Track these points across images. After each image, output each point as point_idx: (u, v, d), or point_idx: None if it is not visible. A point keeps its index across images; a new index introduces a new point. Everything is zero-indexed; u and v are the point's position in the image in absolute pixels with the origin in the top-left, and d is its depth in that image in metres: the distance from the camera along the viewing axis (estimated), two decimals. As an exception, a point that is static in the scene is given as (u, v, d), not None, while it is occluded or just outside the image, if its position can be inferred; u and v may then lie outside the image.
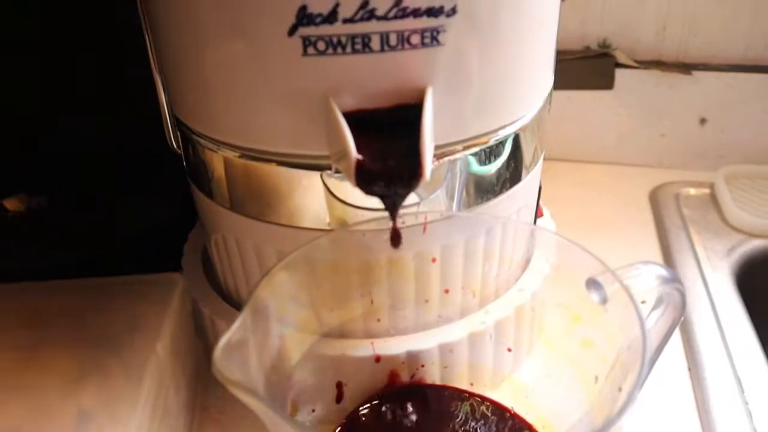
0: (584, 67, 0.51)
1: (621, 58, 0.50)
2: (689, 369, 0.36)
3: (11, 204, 0.46)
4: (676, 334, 0.38)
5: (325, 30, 0.23)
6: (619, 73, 0.51)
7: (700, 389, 0.35)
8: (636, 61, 0.50)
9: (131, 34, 0.34)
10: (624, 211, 0.50)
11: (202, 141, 0.29)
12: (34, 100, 0.43)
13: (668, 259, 0.44)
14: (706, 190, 0.50)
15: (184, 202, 0.40)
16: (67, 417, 0.25)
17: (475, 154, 0.28)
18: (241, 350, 0.22)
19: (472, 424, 0.29)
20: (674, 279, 0.25)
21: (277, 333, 0.25)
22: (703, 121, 0.52)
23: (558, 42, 0.31)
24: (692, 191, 0.51)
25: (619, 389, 0.22)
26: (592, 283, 0.24)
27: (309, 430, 0.17)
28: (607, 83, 0.51)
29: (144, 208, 0.45)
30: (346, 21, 0.23)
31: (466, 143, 0.28)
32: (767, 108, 0.50)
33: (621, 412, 0.18)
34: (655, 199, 0.50)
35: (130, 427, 0.24)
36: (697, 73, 0.50)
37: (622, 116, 0.53)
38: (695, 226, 0.47)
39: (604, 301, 0.24)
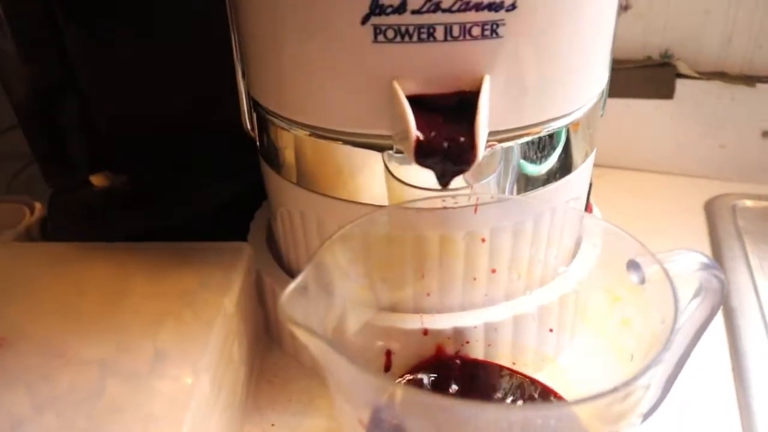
0: (645, 75, 0.51)
1: (682, 68, 0.51)
2: (733, 370, 0.36)
3: (97, 180, 0.50)
4: (723, 339, 0.39)
5: (395, 20, 0.25)
6: (680, 83, 0.51)
7: (743, 391, 0.35)
8: (698, 72, 0.51)
9: (207, 24, 0.37)
10: (678, 219, 0.50)
11: (276, 121, 0.32)
12: (123, 82, 0.47)
13: (719, 266, 0.44)
14: (764, 203, 0.50)
15: (252, 183, 0.43)
16: (145, 353, 0.28)
17: (527, 144, 0.30)
18: (304, 301, 0.24)
19: (512, 398, 0.30)
20: (713, 266, 0.26)
21: (337, 300, 0.28)
22: (765, 134, 0.52)
23: (619, 50, 0.32)
24: (749, 203, 0.50)
25: (651, 362, 0.23)
26: (632, 264, 0.26)
27: (367, 371, 0.19)
28: (667, 93, 0.51)
29: (215, 188, 0.49)
30: (414, 12, 0.25)
31: (519, 132, 0.29)
32: (832, 124, 0.50)
33: (645, 369, 0.19)
34: (710, 209, 0.50)
35: (199, 365, 0.27)
36: (761, 86, 0.50)
37: (682, 126, 0.53)
38: (750, 236, 0.47)
39: (642, 281, 0.25)
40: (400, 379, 0.32)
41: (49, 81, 0.45)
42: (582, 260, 0.34)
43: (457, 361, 0.32)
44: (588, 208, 0.38)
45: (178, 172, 0.49)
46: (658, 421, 0.31)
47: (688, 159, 0.54)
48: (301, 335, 0.22)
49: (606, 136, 0.42)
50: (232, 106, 0.37)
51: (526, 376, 0.31)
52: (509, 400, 0.31)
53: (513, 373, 0.32)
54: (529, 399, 0.30)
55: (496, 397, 0.31)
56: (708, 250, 0.46)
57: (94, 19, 0.44)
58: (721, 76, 0.50)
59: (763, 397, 0.34)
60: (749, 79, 0.50)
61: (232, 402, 0.31)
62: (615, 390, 0.19)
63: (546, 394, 0.30)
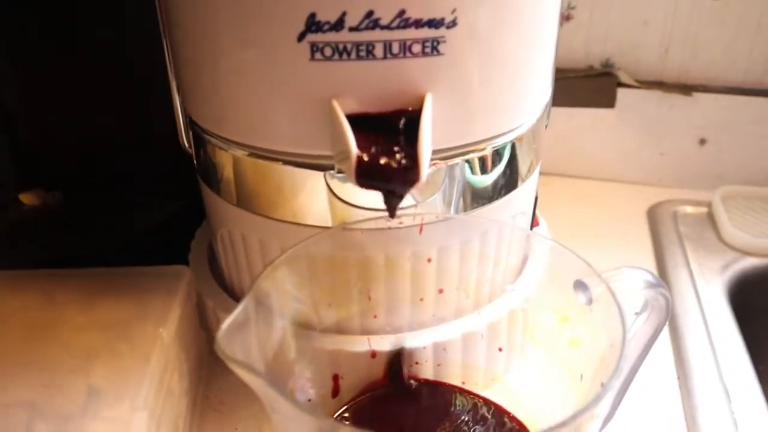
0: (587, 85, 0.52)
1: (623, 77, 0.52)
2: (678, 378, 0.37)
3: (27, 198, 0.48)
4: (667, 344, 0.39)
5: (332, 37, 0.24)
6: (621, 93, 0.52)
7: (688, 399, 0.35)
8: (638, 81, 0.52)
9: (143, 37, 0.35)
10: (621, 227, 0.51)
11: (212, 140, 0.31)
12: (51, 100, 0.45)
13: (663, 274, 0.45)
14: (703, 209, 0.52)
15: (191, 201, 0.42)
16: (77, 392, 0.26)
17: (472, 161, 0.29)
18: (243, 334, 0.23)
19: (463, 417, 0.30)
20: (659, 284, 0.26)
21: (279, 325, 0.27)
22: (702, 141, 0.53)
23: (562, 60, 0.32)
24: (689, 209, 0.52)
25: (602, 385, 0.23)
26: (579, 285, 0.26)
27: (306, 409, 0.18)
28: (609, 102, 0.52)
29: (153, 207, 0.47)
30: (351, 29, 0.24)
31: (463, 149, 0.29)
32: (765, 130, 0.51)
33: (597, 398, 0.19)
34: (652, 216, 0.51)
35: (136, 402, 0.26)
36: (697, 95, 0.51)
37: (623, 134, 0.54)
38: (691, 243, 0.48)
39: (589, 302, 0.25)
40: (348, 405, 0.31)
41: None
42: (528, 277, 0.34)
43: (411, 382, 0.31)
44: (534, 221, 0.38)
45: (113, 190, 0.47)
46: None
47: (630, 166, 0.55)
48: (241, 374, 0.21)
49: (550, 145, 0.43)
50: (168, 121, 0.35)
51: (478, 396, 0.31)
52: (463, 419, 0.30)
53: (464, 393, 0.31)
54: (482, 419, 0.30)
55: (447, 417, 0.30)
56: (651, 257, 0.47)
57: (18, 34, 0.42)
58: (660, 85, 0.52)
59: (707, 404, 0.35)
60: (686, 88, 0.51)
61: (173, 437, 0.29)
62: (564, 423, 0.18)
63: (499, 414, 0.30)
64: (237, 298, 0.35)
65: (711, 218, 0.50)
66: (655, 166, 0.55)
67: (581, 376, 0.26)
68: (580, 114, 0.54)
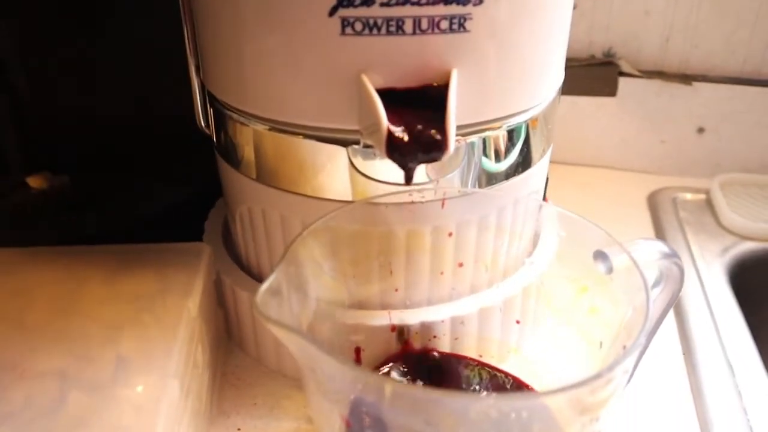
0: (589, 74, 0.53)
1: (625, 67, 0.53)
2: (684, 354, 0.38)
3: (34, 181, 0.48)
4: (672, 323, 0.40)
5: (363, 12, 0.25)
6: (623, 82, 0.53)
7: (693, 373, 0.37)
8: (639, 71, 0.53)
9: (155, 15, 0.35)
10: (623, 213, 0.52)
11: (234, 116, 0.31)
12: (58, 82, 0.45)
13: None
14: (702, 196, 0.53)
15: (200, 183, 0.42)
16: (107, 362, 0.26)
17: (488, 139, 0.30)
18: (277, 300, 0.24)
19: (481, 390, 0.31)
20: (673, 254, 0.27)
21: (312, 299, 0.27)
22: (701, 130, 0.54)
23: (567, 44, 0.33)
24: (689, 196, 0.53)
25: (624, 347, 0.24)
26: (599, 255, 0.26)
27: (348, 362, 0.19)
28: (610, 90, 0.53)
29: (161, 189, 0.47)
30: (383, 5, 0.25)
31: (481, 126, 0.30)
32: (762, 120, 0.53)
33: (628, 352, 0.20)
34: (653, 202, 0.53)
35: (167, 371, 0.26)
36: (697, 84, 0.53)
37: (624, 123, 0.55)
38: (691, 228, 0.49)
39: (610, 271, 0.26)
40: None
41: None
42: (543, 250, 0.35)
43: (435, 354, 0.32)
44: (545, 200, 0.39)
45: (121, 172, 0.47)
46: (617, 410, 0.32)
47: (631, 154, 0.56)
48: (280, 334, 0.21)
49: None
50: (179, 101, 0.35)
51: (495, 369, 0.32)
52: (478, 391, 0.31)
53: (482, 365, 0.32)
54: (501, 390, 0.31)
55: (467, 389, 0.31)
56: (653, 241, 0.48)
57: (25, 17, 0.42)
58: (660, 74, 0.53)
59: (711, 377, 0.36)
60: (686, 78, 0.52)
61: (199, 408, 0.30)
62: (599, 375, 0.19)
63: (516, 385, 0.31)
64: (254, 276, 0.35)
65: (710, 204, 0.52)
66: (656, 153, 0.56)
67: (600, 343, 0.27)
68: (582, 102, 0.55)
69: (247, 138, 0.31)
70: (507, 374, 0.32)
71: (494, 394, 0.28)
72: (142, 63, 0.43)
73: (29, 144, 0.48)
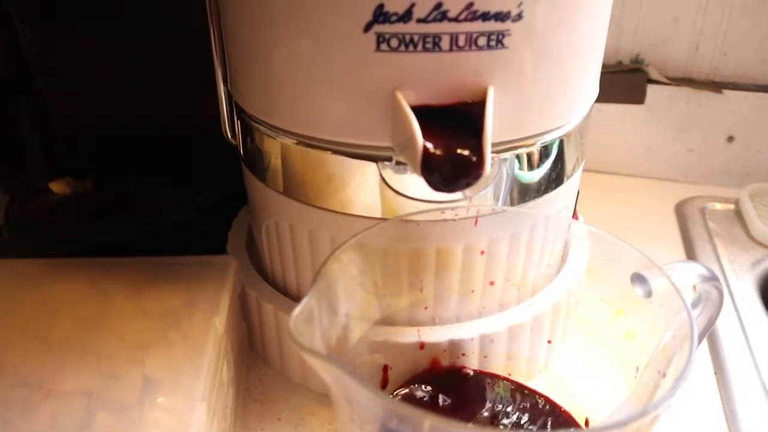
0: (617, 81, 0.52)
1: (653, 74, 0.52)
2: (715, 373, 0.37)
3: (57, 187, 0.48)
4: (704, 341, 0.39)
5: (399, 28, 0.24)
6: (651, 89, 0.52)
7: (726, 395, 0.36)
8: (667, 78, 0.52)
9: (182, 24, 0.35)
10: (650, 222, 0.51)
11: (261, 128, 0.30)
12: (81, 88, 0.45)
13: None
14: (731, 206, 0.52)
15: (224, 190, 0.41)
16: (134, 382, 0.26)
17: (521, 155, 0.29)
18: (310, 323, 0.23)
19: (509, 409, 0.30)
20: (713, 277, 0.26)
21: (344, 311, 0.27)
22: (730, 138, 0.53)
23: (602, 59, 0.32)
24: (718, 206, 0.52)
25: (663, 375, 0.23)
26: (637, 278, 0.26)
27: (383, 394, 0.18)
28: (638, 98, 0.52)
29: (185, 194, 0.47)
30: (419, 21, 0.24)
31: (515, 143, 0.29)
32: (793, 129, 0.52)
33: (674, 388, 0.19)
34: (681, 212, 0.52)
35: (194, 394, 0.26)
36: (727, 92, 0.51)
37: (652, 131, 0.54)
38: (720, 239, 0.48)
39: (648, 294, 0.25)
40: (394, 393, 0.31)
41: (-1, 80, 0.43)
42: (573, 266, 0.34)
43: (468, 371, 0.31)
44: (574, 216, 0.38)
45: (144, 179, 0.47)
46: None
47: (658, 162, 0.55)
48: (313, 362, 0.21)
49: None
50: (205, 109, 0.35)
51: (524, 387, 0.31)
52: (510, 410, 0.30)
53: (511, 383, 0.31)
54: (529, 409, 0.30)
55: (493, 407, 0.30)
56: (682, 253, 0.47)
57: (53, 14, 0.41)
58: (689, 82, 0.52)
59: (745, 399, 0.35)
60: (716, 86, 0.51)
61: (224, 427, 0.29)
62: (645, 412, 0.19)
63: (547, 404, 0.30)
64: (279, 289, 0.35)
65: (739, 215, 0.51)
66: (683, 162, 0.55)
67: (637, 368, 0.27)
68: (609, 110, 0.54)
69: (274, 151, 0.31)
70: (536, 393, 0.31)
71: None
72: (167, 67, 0.43)
73: (52, 149, 0.48)
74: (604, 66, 0.53)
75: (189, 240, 0.39)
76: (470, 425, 0.17)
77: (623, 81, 0.52)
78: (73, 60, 0.43)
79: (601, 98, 0.53)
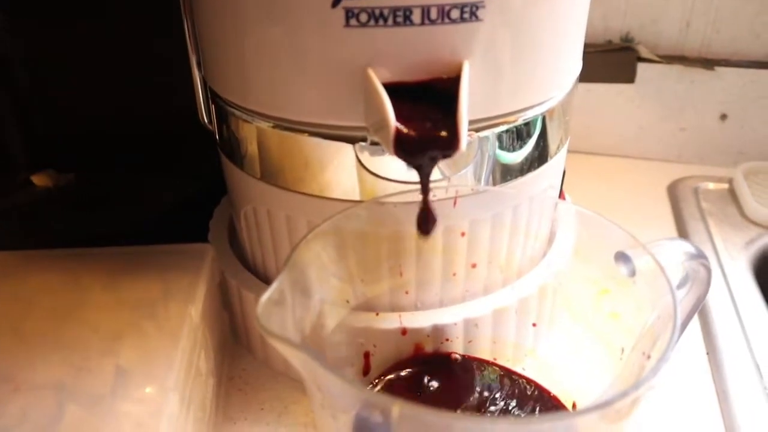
0: (606, 60, 0.51)
1: (643, 52, 0.51)
2: (708, 353, 0.37)
3: (39, 180, 0.47)
4: (695, 320, 0.39)
5: (369, 2, 0.24)
6: (641, 67, 0.51)
7: (718, 373, 0.35)
8: (658, 56, 0.51)
9: (157, 11, 0.34)
10: (643, 203, 0.50)
11: (236, 113, 0.30)
12: (62, 80, 0.44)
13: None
14: (725, 185, 0.51)
15: (206, 179, 0.41)
16: (106, 373, 0.25)
17: (504, 132, 0.29)
18: (280, 308, 0.22)
19: (496, 393, 0.29)
20: (700, 254, 0.25)
21: (317, 298, 0.26)
22: (723, 116, 0.52)
23: (584, 33, 0.31)
24: (711, 186, 0.51)
25: (648, 356, 0.22)
26: (621, 257, 0.25)
27: (352, 381, 0.18)
28: (629, 77, 0.51)
29: (167, 186, 0.46)
30: (389, -7, 0.23)
31: (495, 120, 0.28)
32: (787, 105, 0.51)
33: (655, 369, 0.18)
34: (673, 192, 0.51)
35: (166, 383, 0.25)
36: (719, 69, 0.50)
37: (643, 110, 0.53)
38: (714, 219, 0.47)
39: (632, 274, 0.25)
40: (378, 380, 0.31)
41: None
42: (559, 249, 0.33)
43: (457, 356, 0.31)
44: (561, 196, 0.37)
45: (127, 170, 0.46)
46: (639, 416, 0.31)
47: (650, 142, 0.54)
48: (282, 349, 0.20)
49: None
50: (184, 97, 0.34)
51: (510, 371, 0.30)
52: (496, 395, 0.30)
53: (497, 367, 0.31)
54: (516, 394, 0.29)
55: (479, 391, 0.30)
56: (675, 233, 0.46)
57: (31, 6, 0.41)
58: (681, 59, 0.51)
59: (737, 378, 0.35)
60: (708, 63, 0.50)
61: (202, 417, 0.29)
62: (625, 394, 0.18)
63: (533, 388, 0.29)
64: (260, 277, 0.34)
65: (732, 194, 0.50)
66: (676, 141, 0.54)
67: (622, 349, 0.26)
68: (599, 89, 0.53)
69: (250, 136, 0.30)
70: (522, 377, 0.30)
71: (508, 419, 0.27)
72: (147, 57, 0.42)
73: (34, 142, 0.47)
74: (593, 45, 0.52)
75: (173, 230, 0.39)
76: (440, 411, 0.17)
77: (613, 60, 0.51)
78: (52, 52, 0.43)
79: (591, 78, 0.53)
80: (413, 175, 0.26)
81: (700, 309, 0.39)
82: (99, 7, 0.41)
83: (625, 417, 0.21)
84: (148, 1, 0.40)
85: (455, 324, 0.31)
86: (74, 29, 0.42)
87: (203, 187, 0.44)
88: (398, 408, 0.17)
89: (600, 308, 0.27)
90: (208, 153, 0.36)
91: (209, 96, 0.32)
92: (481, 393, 0.30)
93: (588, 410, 0.18)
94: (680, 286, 0.27)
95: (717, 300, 0.40)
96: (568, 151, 0.35)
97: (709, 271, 0.26)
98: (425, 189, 0.26)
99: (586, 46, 0.51)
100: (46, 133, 0.47)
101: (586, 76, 0.52)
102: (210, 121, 0.34)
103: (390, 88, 0.24)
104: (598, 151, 0.55)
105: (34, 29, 0.42)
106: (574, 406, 0.29)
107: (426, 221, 0.27)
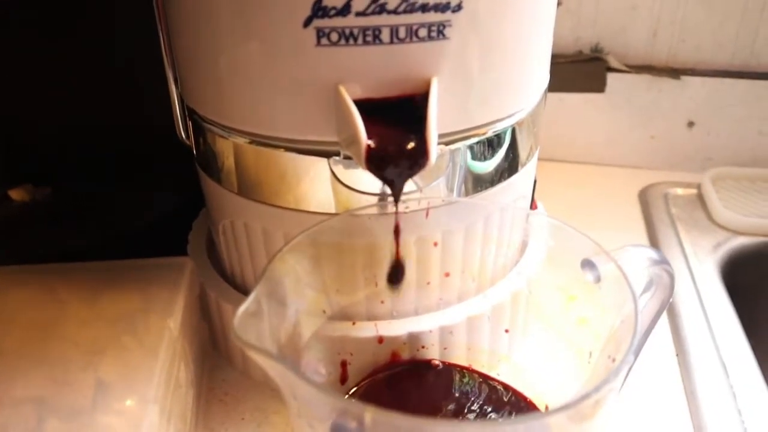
0: (577, 70, 0.53)
1: (612, 62, 0.52)
2: (677, 355, 0.38)
3: (16, 194, 0.47)
4: (665, 323, 0.40)
5: (339, 22, 0.24)
6: (611, 77, 0.53)
7: (687, 374, 0.36)
8: (627, 66, 0.52)
9: (135, 25, 0.35)
10: (614, 209, 0.51)
11: (213, 128, 0.30)
12: (38, 93, 0.44)
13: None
14: (693, 191, 0.52)
15: (184, 193, 0.41)
16: (86, 387, 0.26)
17: (474, 145, 0.30)
18: (256, 319, 0.23)
19: (472, 398, 0.30)
20: (663, 260, 0.26)
21: (293, 309, 0.27)
22: (691, 124, 0.54)
23: (551, 45, 0.33)
24: (680, 191, 0.52)
25: (613, 360, 0.23)
26: (587, 263, 0.26)
27: (330, 392, 0.18)
28: (598, 86, 0.53)
29: (145, 200, 0.46)
30: (358, 14, 0.24)
31: (465, 134, 0.29)
32: (752, 112, 0.52)
33: (617, 371, 0.19)
34: (644, 198, 0.52)
35: (146, 396, 0.25)
36: (685, 78, 0.52)
37: (613, 118, 0.55)
38: (683, 224, 0.48)
39: (598, 280, 0.26)
40: (356, 387, 0.31)
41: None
42: (531, 257, 0.34)
43: (438, 363, 0.31)
44: (533, 204, 0.38)
45: (104, 184, 0.46)
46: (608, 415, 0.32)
47: (620, 150, 0.56)
48: (259, 359, 0.21)
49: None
50: (163, 110, 0.35)
51: (485, 376, 0.31)
52: (472, 400, 0.30)
53: (472, 373, 0.32)
54: (490, 399, 0.30)
55: (455, 397, 0.31)
56: (645, 238, 0.48)
57: (4, 20, 0.41)
58: (649, 69, 0.52)
59: (705, 378, 0.36)
60: (674, 72, 0.52)
61: (183, 429, 0.29)
62: (587, 396, 0.19)
63: (507, 392, 0.30)
64: (239, 288, 0.35)
65: (701, 199, 0.51)
66: (646, 149, 0.55)
67: (590, 353, 0.27)
68: (570, 99, 0.54)
69: (227, 151, 0.30)
70: (497, 381, 0.31)
71: (478, 421, 0.27)
72: (124, 71, 0.43)
73: (10, 156, 0.47)
74: (563, 56, 0.54)
75: (151, 244, 0.39)
76: (411, 416, 0.17)
77: (583, 70, 0.52)
78: (29, 68, 0.43)
79: (562, 88, 0.54)
80: (386, 188, 0.27)
81: (670, 311, 0.41)
82: (76, 21, 0.42)
83: (589, 418, 0.22)
84: (127, 18, 0.40)
85: (431, 331, 0.31)
86: (50, 42, 0.42)
87: (182, 200, 0.44)
88: (370, 414, 0.18)
89: (569, 314, 0.28)
90: (186, 167, 0.37)
91: (186, 112, 0.33)
92: (458, 399, 0.31)
93: (552, 413, 0.19)
94: (645, 291, 0.28)
95: (686, 303, 0.41)
96: (542, 160, 0.36)
97: (672, 276, 0.27)
98: (396, 200, 0.27)
99: (557, 56, 0.53)
100: (22, 147, 0.47)
101: (557, 86, 0.54)
102: (187, 137, 0.34)
103: (361, 104, 0.25)
104: (571, 158, 0.57)
105: (9, 42, 0.42)
106: (546, 409, 0.30)
107: (397, 276, 0.29)
